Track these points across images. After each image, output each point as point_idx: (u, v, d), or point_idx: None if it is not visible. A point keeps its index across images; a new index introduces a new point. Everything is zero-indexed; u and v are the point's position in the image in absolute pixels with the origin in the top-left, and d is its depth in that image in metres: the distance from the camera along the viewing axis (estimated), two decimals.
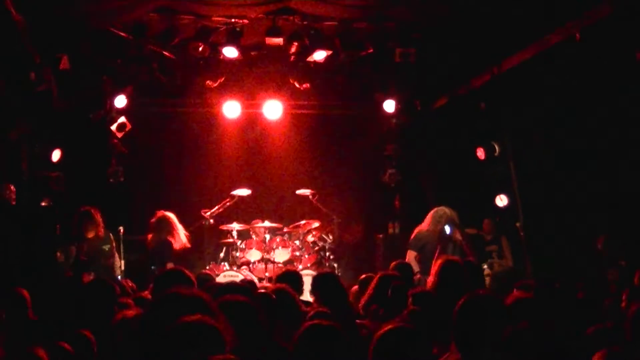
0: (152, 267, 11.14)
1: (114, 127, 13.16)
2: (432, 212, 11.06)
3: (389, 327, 4.22)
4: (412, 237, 11.15)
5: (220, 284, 7.68)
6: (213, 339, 3.41)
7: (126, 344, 4.57)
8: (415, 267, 10.34)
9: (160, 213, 11.58)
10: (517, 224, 12.55)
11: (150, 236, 11.57)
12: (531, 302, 5.41)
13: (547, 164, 11.70)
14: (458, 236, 10.84)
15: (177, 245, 11.44)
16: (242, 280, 9.39)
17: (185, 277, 5.66)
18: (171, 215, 11.56)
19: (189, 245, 11.63)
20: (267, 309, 5.11)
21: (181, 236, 11.53)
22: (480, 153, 13.13)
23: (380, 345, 4.14)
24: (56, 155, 12.11)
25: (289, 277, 7.44)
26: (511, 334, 3.97)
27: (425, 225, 11.06)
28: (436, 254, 10.08)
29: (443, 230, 10.69)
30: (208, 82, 13.38)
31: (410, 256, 10.85)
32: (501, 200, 12.97)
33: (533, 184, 12.16)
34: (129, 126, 13.26)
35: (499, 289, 9.64)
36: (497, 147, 12.86)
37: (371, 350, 4.13)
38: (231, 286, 6.34)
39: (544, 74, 11.09)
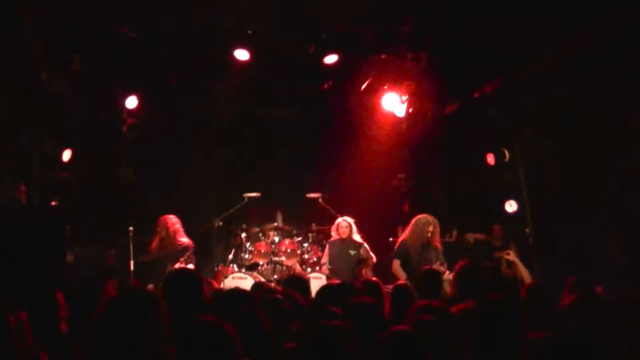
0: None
1: (124, 129, 13.16)
2: (414, 220, 11.09)
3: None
4: (396, 246, 11.16)
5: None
6: (227, 342, 3.56)
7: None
8: (402, 275, 10.51)
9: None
10: (527, 230, 12.33)
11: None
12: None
13: (557, 170, 11.55)
14: (438, 244, 10.95)
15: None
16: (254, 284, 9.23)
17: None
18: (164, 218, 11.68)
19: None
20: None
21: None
22: (491, 159, 13.03)
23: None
24: (67, 155, 12.08)
25: (296, 282, 7.37)
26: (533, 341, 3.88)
27: (408, 234, 11.07)
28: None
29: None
30: (220, 84, 13.37)
31: (396, 265, 10.92)
32: (510, 206, 12.83)
33: (542, 190, 11.99)
34: (139, 128, 13.26)
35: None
36: (507, 153, 12.74)
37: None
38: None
39: (555, 82, 11.04)
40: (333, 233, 12.24)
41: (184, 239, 11.47)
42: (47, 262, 8.27)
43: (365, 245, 12.05)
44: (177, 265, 10.87)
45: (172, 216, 11.57)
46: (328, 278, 11.74)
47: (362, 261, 11.49)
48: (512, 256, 10.56)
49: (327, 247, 12.30)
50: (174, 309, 4.20)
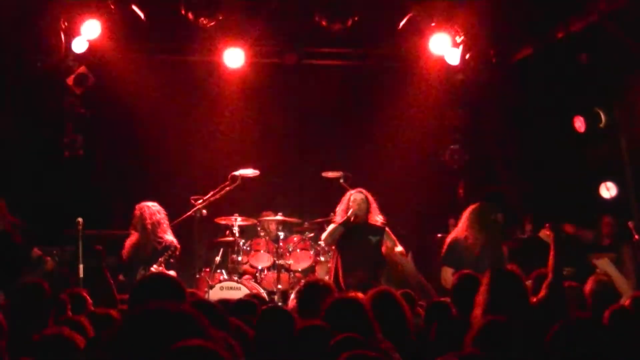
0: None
1: (70, 80, 11.82)
2: (469, 210, 9.67)
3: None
4: (445, 247, 9.68)
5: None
6: None
7: None
8: None
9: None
10: (630, 224, 10.45)
11: None
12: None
13: None
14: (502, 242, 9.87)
15: None
16: (246, 295, 8.38)
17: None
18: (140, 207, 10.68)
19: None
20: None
21: None
22: (579, 123, 11.61)
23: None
24: None
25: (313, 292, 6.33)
26: None
27: (461, 231, 9.64)
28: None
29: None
30: (202, 20, 11.87)
31: (446, 274, 9.36)
32: (607, 190, 11.53)
33: None
34: (91, 79, 11.97)
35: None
36: (603, 116, 11.28)
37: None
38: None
39: None
40: (338, 210, 10.31)
41: (167, 236, 10.34)
42: None
43: (388, 229, 10.31)
44: (153, 269, 10.00)
45: (151, 204, 10.49)
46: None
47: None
48: (604, 263, 9.37)
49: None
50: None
